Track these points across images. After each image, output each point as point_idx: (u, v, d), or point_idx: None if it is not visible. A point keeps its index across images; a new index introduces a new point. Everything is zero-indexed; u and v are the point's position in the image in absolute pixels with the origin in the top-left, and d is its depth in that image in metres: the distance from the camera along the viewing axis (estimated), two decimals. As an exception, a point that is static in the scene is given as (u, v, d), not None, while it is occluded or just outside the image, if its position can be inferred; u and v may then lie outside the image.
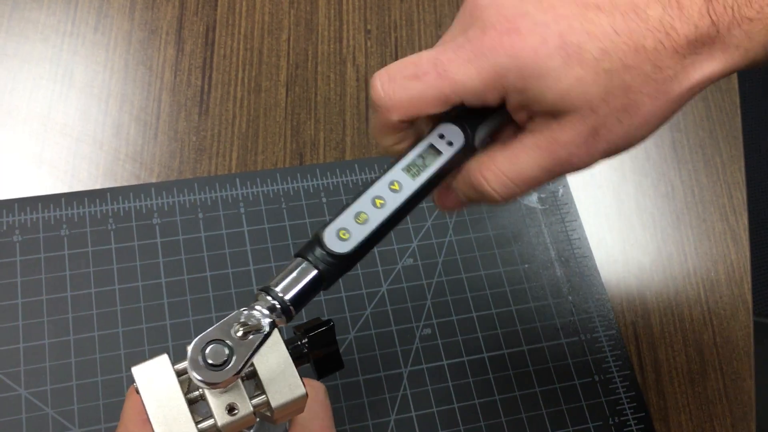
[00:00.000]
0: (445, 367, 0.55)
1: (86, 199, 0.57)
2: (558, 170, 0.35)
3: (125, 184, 0.58)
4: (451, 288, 0.58)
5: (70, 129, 0.60)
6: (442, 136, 0.36)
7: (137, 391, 0.33)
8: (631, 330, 0.59)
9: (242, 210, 0.58)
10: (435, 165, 0.36)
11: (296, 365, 0.35)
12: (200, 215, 0.58)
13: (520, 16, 0.32)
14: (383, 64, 0.67)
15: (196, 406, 0.34)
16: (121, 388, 0.51)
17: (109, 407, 0.50)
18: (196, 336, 0.53)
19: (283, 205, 0.59)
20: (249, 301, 0.54)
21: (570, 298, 0.59)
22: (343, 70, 0.66)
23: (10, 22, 0.63)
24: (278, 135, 0.62)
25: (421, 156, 0.36)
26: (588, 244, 0.61)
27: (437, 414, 0.53)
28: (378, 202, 0.35)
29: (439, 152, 0.36)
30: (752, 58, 0.33)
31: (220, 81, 0.64)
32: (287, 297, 0.32)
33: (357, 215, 0.34)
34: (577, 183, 0.64)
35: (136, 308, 0.54)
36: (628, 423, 0.55)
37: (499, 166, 0.35)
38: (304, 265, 0.33)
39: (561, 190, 0.63)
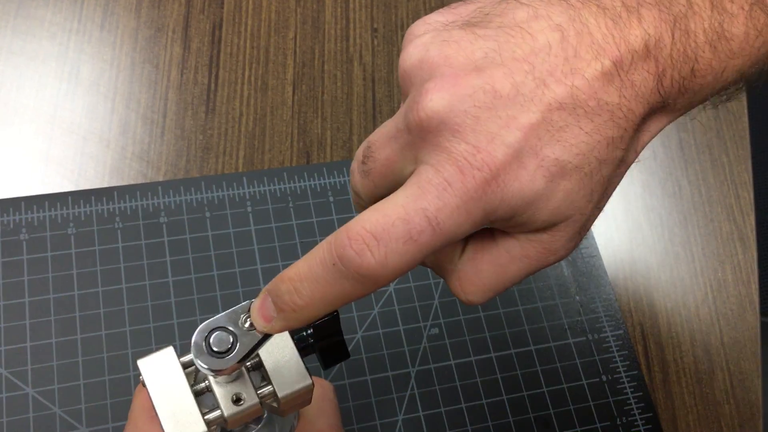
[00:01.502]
0: (453, 366, 0.55)
1: (93, 197, 0.57)
2: (539, 270, 0.33)
3: (132, 182, 0.58)
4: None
5: (76, 127, 0.60)
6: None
7: (143, 384, 0.33)
8: (639, 330, 0.59)
9: (249, 209, 0.58)
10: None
11: (302, 356, 0.34)
12: (207, 214, 0.57)
13: (488, 141, 0.28)
14: (390, 62, 0.66)
15: (203, 398, 0.34)
16: (128, 387, 0.51)
17: (117, 406, 0.50)
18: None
19: (291, 204, 0.59)
20: (256, 301, 0.54)
21: (577, 297, 0.59)
22: (350, 68, 0.66)
23: (16, 20, 0.63)
24: (285, 134, 0.62)
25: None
26: (595, 243, 0.61)
27: (445, 414, 0.53)
28: None
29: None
30: (692, 111, 0.33)
31: (227, 79, 0.63)
32: None
33: None
34: (585, 182, 0.64)
35: (143, 307, 0.54)
36: (635, 423, 0.55)
37: (486, 282, 0.32)
38: None
39: (568, 190, 0.63)
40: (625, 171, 0.32)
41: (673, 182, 0.65)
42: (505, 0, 0.30)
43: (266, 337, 0.31)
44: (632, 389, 0.56)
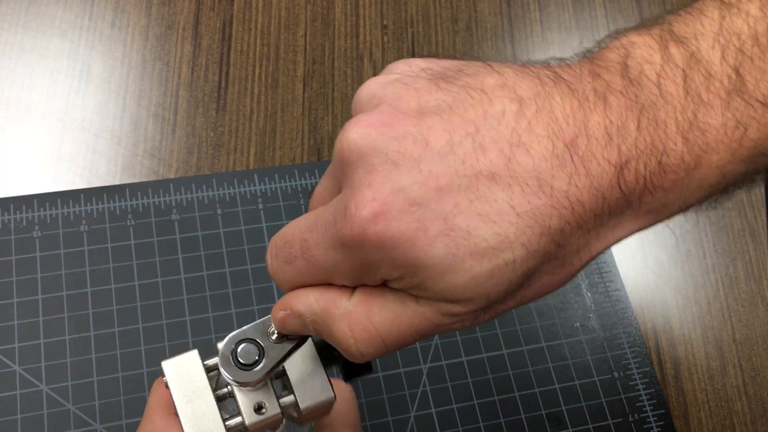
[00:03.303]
0: (465, 363, 0.55)
1: (105, 194, 0.57)
2: (434, 334, 0.30)
3: (144, 179, 0.58)
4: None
5: (88, 124, 0.60)
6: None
7: (166, 386, 0.33)
8: (651, 326, 0.59)
9: (260, 206, 0.58)
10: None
11: (325, 367, 0.34)
12: (219, 211, 0.58)
13: (392, 193, 0.26)
14: (400, 58, 0.66)
15: (224, 403, 0.34)
16: (141, 384, 0.51)
17: (130, 403, 0.50)
18: (216, 332, 0.53)
19: (302, 201, 0.59)
20: (268, 298, 0.54)
21: (589, 294, 0.59)
22: (360, 65, 0.66)
23: (28, 17, 0.63)
24: (296, 131, 0.62)
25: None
26: (606, 240, 0.61)
27: (457, 410, 0.53)
28: None
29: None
30: (665, 219, 0.28)
31: (237, 76, 0.63)
32: None
33: None
34: (595, 179, 0.63)
35: (156, 304, 0.54)
36: (647, 420, 0.55)
37: (377, 326, 0.28)
38: None
39: (579, 186, 0.63)
40: (563, 278, 0.28)
41: (684, 178, 0.65)
42: (485, 64, 0.28)
43: (294, 349, 0.31)
44: (644, 386, 0.56)
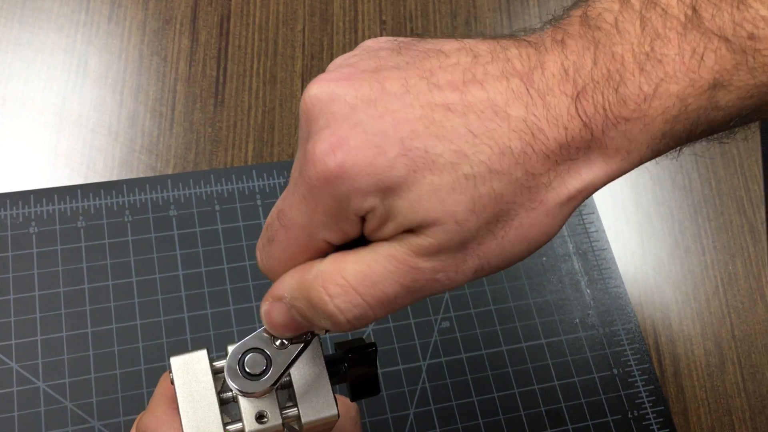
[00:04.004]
0: (464, 360, 0.55)
1: (102, 190, 0.56)
2: (421, 291, 0.28)
3: (141, 175, 0.58)
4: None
5: (85, 120, 0.59)
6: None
7: (172, 382, 0.33)
8: (650, 323, 0.59)
9: (259, 202, 0.58)
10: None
11: (332, 383, 0.34)
12: (217, 207, 0.57)
13: (350, 127, 0.27)
14: (398, 55, 0.66)
15: (227, 406, 0.33)
16: (139, 381, 0.51)
17: (128, 400, 0.50)
18: (215, 329, 0.53)
19: (300, 197, 0.59)
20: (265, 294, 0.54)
21: (588, 291, 0.59)
22: (359, 61, 0.65)
23: (24, 12, 0.62)
24: (294, 126, 0.62)
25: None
26: (606, 236, 0.61)
27: (456, 407, 0.53)
28: None
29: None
30: (637, 160, 0.28)
31: (235, 72, 0.63)
32: None
33: None
34: (595, 175, 0.63)
35: (154, 300, 0.53)
36: (647, 416, 0.55)
37: (349, 278, 0.28)
38: None
39: (578, 183, 0.63)
40: (542, 219, 0.28)
41: (683, 175, 0.65)
42: (448, 38, 0.30)
43: (300, 352, 0.31)
44: (643, 382, 0.56)
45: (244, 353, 0.31)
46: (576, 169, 0.28)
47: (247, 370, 0.31)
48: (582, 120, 0.27)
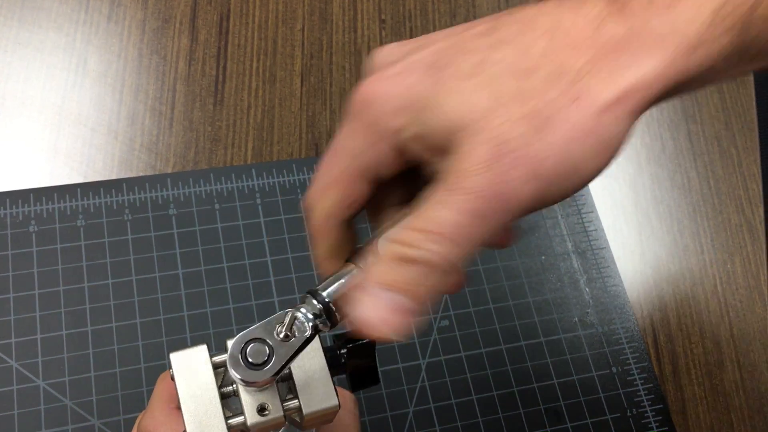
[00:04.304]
0: (463, 358, 0.55)
1: (102, 189, 0.56)
2: (492, 210, 0.27)
3: (141, 174, 0.58)
4: (469, 279, 0.58)
5: (84, 119, 0.59)
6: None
7: (172, 378, 0.33)
8: (648, 322, 0.59)
9: (258, 200, 0.58)
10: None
11: (332, 374, 0.34)
12: (216, 206, 0.57)
13: (395, 63, 0.30)
14: (398, 54, 0.66)
15: (228, 400, 0.33)
16: (139, 379, 0.51)
17: (128, 398, 0.50)
18: (214, 327, 0.53)
19: (300, 196, 0.59)
20: (265, 292, 0.54)
21: (587, 289, 0.59)
22: (358, 60, 0.65)
23: (23, 11, 0.62)
24: (293, 125, 0.62)
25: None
26: (605, 235, 0.61)
27: (456, 406, 0.53)
28: None
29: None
30: (685, 57, 0.26)
31: (235, 71, 0.63)
32: (333, 304, 0.31)
33: None
34: (594, 174, 0.63)
35: (154, 299, 0.53)
36: (645, 415, 0.55)
37: (420, 227, 0.27)
38: (354, 271, 0.32)
39: (577, 182, 0.63)
40: (590, 117, 0.26)
41: (682, 174, 0.65)
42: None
43: (302, 347, 0.31)
44: (642, 381, 0.56)
45: (247, 343, 0.31)
46: (617, 65, 0.26)
47: (250, 359, 0.31)
48: (615, 5, 0.26)
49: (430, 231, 0.27)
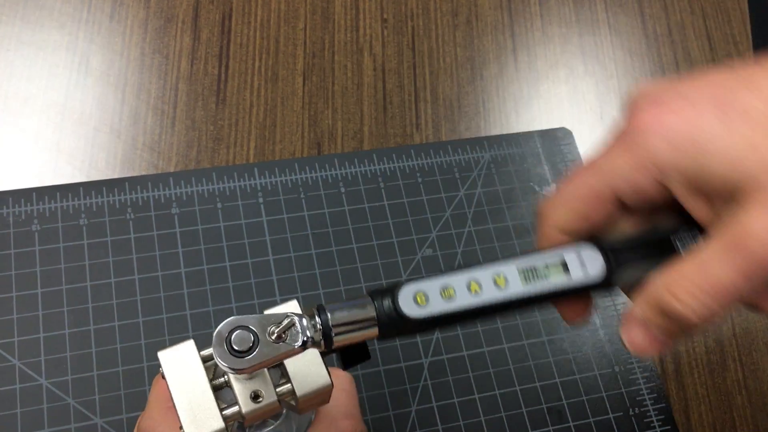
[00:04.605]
0: (466, 357, 0.55)
1: (104, 188, 0.57)
2: (763, 272, 0.27)
3: (143, 173, 0.58)
4: (471, 278, 0.58)
5: (87, 118, 0.59)
6: (579, 256, 0.32)
7: (163, 376, 0.33)
8: (651, 321, 0.59)
9: (261, 200, 0.58)
10: (555, 283, 0.32)
11: (322, 355, 0.34)
12: (219, 205, 0.57)
13: (673, 97, 0.30)
14: (400, 53, 0.66)
15: (221, 392, 0.34)
16: (142, 378, 0.51)
17: (130, 397, 0.50)
18: (217, 326, 0.53)
19: (302, 195, 0.59)
20: (269, 292, 0.54)
21: (589, 288, 0.59)
22: (360, 59, 0.65)
23: (26, 10, 0.62)
24: (296, 124, 0.62)
25: (546, 265, 0.32)
26: (607, 234, 0.61)
27: (458, 404, 0.53)
28: (474, 287, 0.32)
29: (567, 271, 0.32)
30: None
31: (237, 70, 0.63)
32: (334, 329, 0.31)
33: (445, 288, 0.32)
34: (596, 173, 0.63)
35: (156, 298, 0.53)
36: (648, 414, 0.55)
37: (690, 280, 0.28)
38: (368, 307, 0.31)
39: (580, 181, 0.63)
40: None
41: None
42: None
43: (286, 355, 0.31)
44: (645, 380, 0.56)
45: (237, 328, 0.30)
46: None
47: (234, 345, 0.30)
48: None
49: (702, 290, 0.28)
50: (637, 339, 0.31)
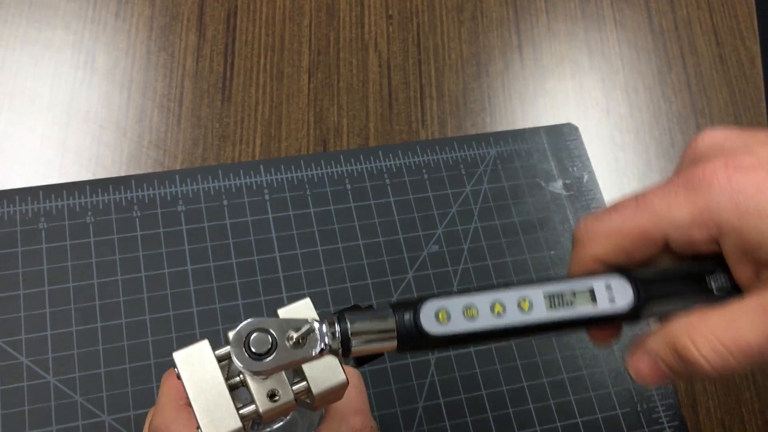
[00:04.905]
0: (473, 353, 0.55)
1: (111, 186, 0.57)
2: None
3: (149, 171, 0.58)
4: (477, 274, 0.58)
5: (93, 116, 0.60)
6: (608, 287, 0.32)
7: (178, 377, 0.33)
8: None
9: (267, 197, 0.58)
10: (581, 311, 0.31)
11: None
12: (225, 202, 0.57)
13: (744, 153, 0.29)
14: (405, 50, 0.66)
15: (237, 392, 0.33)
16: (149, 375, 0.51)
17: (138, 394, 0.50)
18: (224, 323, 0.53)
19: (308, 192, 0.59)
20: (275, 289, 0.54)
21: (596, 284, 0.58)
22: (366, 56, 0.65)
23: (31, 9, 0.62)
24: (301, 121, 0.62)
25: (573, 293, 0.32)
26: (614, 230, 0.61)
27: (465, 401, 0.53)
28: (497, 308, 0.31)
29: (594, 301, 0.32)
30: None
31: (243, 67, 0.63)
32: (353, 338, 0.31)
33: (468, 307, 0.31)
34: (602, 169, 0.63)
35: (163, 295, 0.53)
36: (656, 409, 0.55)
37: (713, 330, 0.29)
38: (388, 319, 0.31)
39: (586, 177, 0.63)
40: None
41: (691, 168, 0.64)
42: None
43: (304, 361, 0.31)
44: (652, 375, 0.56)
45: (255, 330, 0.30)
46: None
47: (251, 347, 0.30)
48: None
49: (724, 344, 0.29)
50: (643, 369, 0.32)
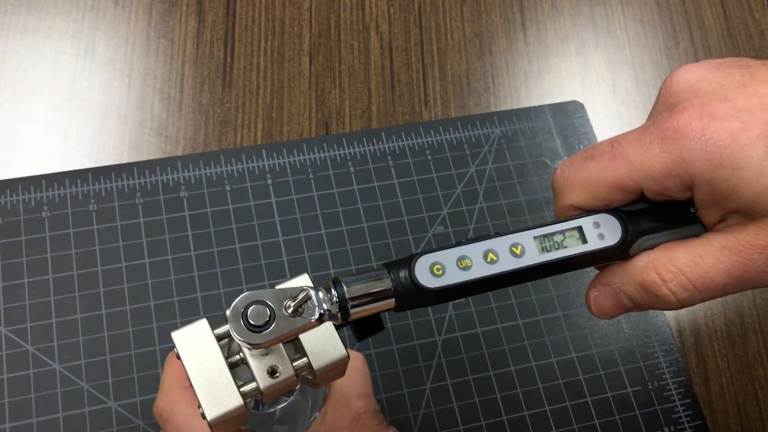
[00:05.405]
0: (480, 334, 0.54)
1: (113, 173, 0.56)
2: (749, 281, 0.30)
3: (151, 157, 0.58)
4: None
5: (94, 104, 0.59)
6: (596, 225, 0.32)
7: (178, 357, 0.33)
8: (668, 294, 0.58)
9: (269, 181, 0.58)
10: (572, 251, 0.32)
11: (337, 327, 0.34)
12: (227, 187, 0.57)
13: (719, 100, 0.29)
14: (407, 31, 0.65)
15: (237, 370, 0.33)
16: (154, 361, 0.51)
17: (143, 380, 0.50)
18: (228, 307, 0.53)
19: (311, 176, 0.58)
20: (279, 273, 0.54)
21: (605, 262, 0.58)
22: (367, 38, 0.65)
23: (31, -1, 0.62)
24: (303, 105, 0.61)
25: (562, 233, 0.32)
26: (622, 207, 0.60)
27: (473, 381, 0.53)
28: (490, 256, 0.32)
29: (584, 240, 0.32)
30: None
31: (243, 52, 0.63)
32: (350, 302, 0.31)
33: (461, 258, 0.31)
34: (609, 146, 0.62)
35: (167, 281, 0.53)
36: (667, 387, 0.54)
37: (680, 266, 0.30)
38: (384, 279, 0.31)
39: (593, 154, 0.62)
40: None
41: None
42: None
43: (303, 329, 0.30)
44: (663, 353, 0.55)
45: (253, 303, 0.30)
46: None
47: (250, 320, 0.30)
48: None
49: (691, 281, 0.30)
50: (604, 303, 0.33)
